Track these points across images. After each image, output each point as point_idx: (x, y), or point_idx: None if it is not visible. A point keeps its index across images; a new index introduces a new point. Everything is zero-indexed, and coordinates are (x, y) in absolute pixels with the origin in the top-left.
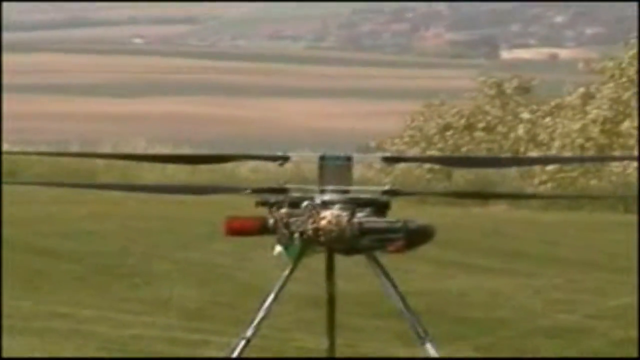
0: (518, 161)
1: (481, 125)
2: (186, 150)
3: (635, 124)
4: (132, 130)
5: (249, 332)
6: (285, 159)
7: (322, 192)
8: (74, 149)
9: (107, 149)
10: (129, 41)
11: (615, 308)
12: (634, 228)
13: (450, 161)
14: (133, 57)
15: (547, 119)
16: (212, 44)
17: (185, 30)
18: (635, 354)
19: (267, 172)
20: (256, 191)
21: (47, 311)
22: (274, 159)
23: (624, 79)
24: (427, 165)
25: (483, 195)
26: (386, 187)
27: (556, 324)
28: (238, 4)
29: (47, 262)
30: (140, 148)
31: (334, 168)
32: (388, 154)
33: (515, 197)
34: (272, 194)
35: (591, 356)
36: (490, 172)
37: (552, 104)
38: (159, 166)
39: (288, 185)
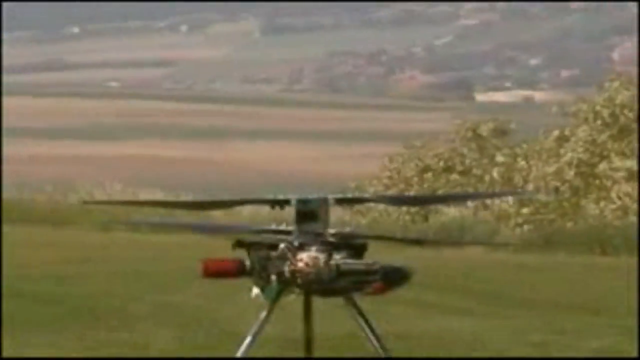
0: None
1: (459, 168)
2: (161, 194)
3: (612, 165)
4: (107, 173)
5: None
6: (286, 202)
7: (299, 234)
8: (49, 190)
9: (82, 193)
10: (104, 84)
11: (595, 350)
12: (612, 270)
13: (399, 201)
14: (109, 100)
15: (522, 162)
16: (188, 87)
17: (160, 74)
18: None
19: (239, 215)
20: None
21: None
22: (276, 202)
23: (598, 122)
24: (405, 207)
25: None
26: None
27: None
28: (213, 48)
29: (25, 305)
30: (116, 191)
31: (311, 210)
32: (340, 195)
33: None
34: (249, 236)
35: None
36: (466, 214)
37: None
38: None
39: (265, 227)
